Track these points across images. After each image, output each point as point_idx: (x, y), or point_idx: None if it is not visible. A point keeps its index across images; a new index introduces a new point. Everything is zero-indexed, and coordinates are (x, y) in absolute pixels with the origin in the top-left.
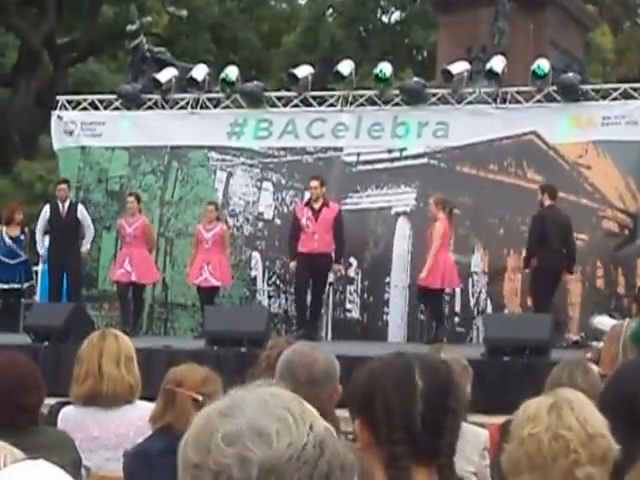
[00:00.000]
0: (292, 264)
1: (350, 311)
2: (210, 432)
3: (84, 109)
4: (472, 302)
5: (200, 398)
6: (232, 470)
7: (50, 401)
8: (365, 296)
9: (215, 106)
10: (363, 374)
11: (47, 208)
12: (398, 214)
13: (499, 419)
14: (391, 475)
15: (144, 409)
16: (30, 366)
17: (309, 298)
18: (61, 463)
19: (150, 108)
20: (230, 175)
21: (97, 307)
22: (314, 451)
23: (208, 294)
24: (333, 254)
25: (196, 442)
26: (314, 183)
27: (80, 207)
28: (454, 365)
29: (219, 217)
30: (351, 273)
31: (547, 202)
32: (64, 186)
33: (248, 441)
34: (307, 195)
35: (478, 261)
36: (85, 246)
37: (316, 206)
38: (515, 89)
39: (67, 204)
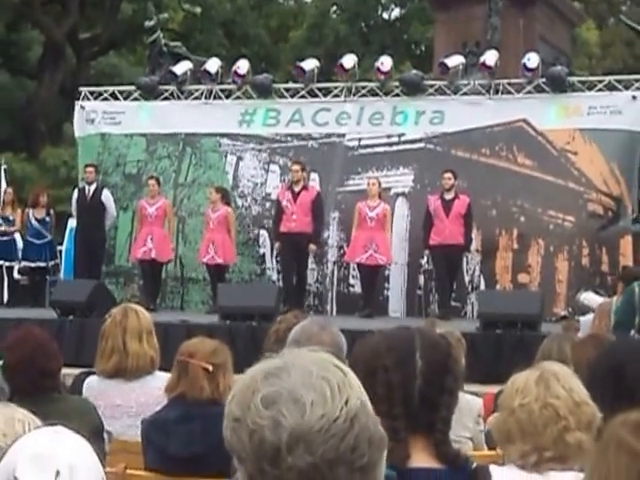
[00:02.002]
0: (276, 245)
1: (353, 286)
2: (252, 391)
3: (105, 99)
4: (467, 279)
5: (210, 368)
6: (265, 432)
7: (74, 371)
8: None
9: (227, 97)
10: (367, 349)
11: (76, 192)
12: (397, 195)
13: (493, 388)
14: (390, 446)
15: (163, 379)
16: (46, 336)
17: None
18: (83, 428)
19: (167, 99)
20: (240, 159)
21: (114, 282)
22: (344, 425)
23: (216, 271)
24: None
25: (239, 398)
26: (295, 167)
27: (105, 191)
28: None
29: (223, 199)
30: None
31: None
32: (91, 169)
33: (283, 407)
34: (312, 176)
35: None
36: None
37: (296, 189)
38: (507, 81)
39: (93, 187)
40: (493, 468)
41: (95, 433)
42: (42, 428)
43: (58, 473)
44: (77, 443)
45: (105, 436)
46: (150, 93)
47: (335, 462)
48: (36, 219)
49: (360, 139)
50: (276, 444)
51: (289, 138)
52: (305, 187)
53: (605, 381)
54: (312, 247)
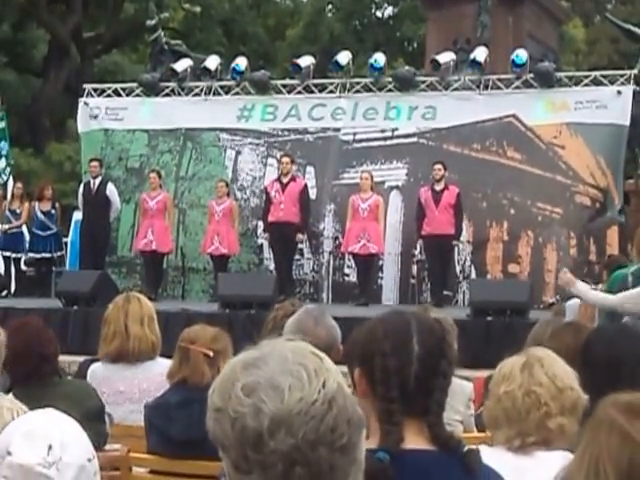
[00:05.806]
0: (265, 235)
1: (348, 275)
2: (232, 382)
3: (108, 96)
4: (458, 268)
5: (211, 354)
6: (246, 419)
7: (79, 358)
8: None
9: (226, 93)
10: (364, 334)
11: (81, 186)
12: (391, 188)
13: (483, 373)
14: (385, 429)
15: (164, 365)
16: (40, 324)
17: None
18: (83, 410)
19: (168, 95)
20: (238, 153)
21: (117, 272)
22: (322, 407)
23: (219, 261)
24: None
25: (220, 389)
26: (285, 159)
27: (110, 185)
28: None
29: (229, 193)
30: None
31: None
32: (95, 163)
33: (263, 394)
34: (308, 169)
35: (463, 232)
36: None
37: (284, 180)
38: (496, 77)
39: (98, 181)
40: (483, 449)
41: (95, 414)
42: (33, 411)
43: (50, 447)
44: (67, 422)
45: (106, 418)
46: (151, 90)
47: (316, 443)
48: (42, 212)
49: (355, 133)
50: (258, 430)
51: (286, 132)
52: (293, 178)
53: (603, 373)
54: (300, 236)
